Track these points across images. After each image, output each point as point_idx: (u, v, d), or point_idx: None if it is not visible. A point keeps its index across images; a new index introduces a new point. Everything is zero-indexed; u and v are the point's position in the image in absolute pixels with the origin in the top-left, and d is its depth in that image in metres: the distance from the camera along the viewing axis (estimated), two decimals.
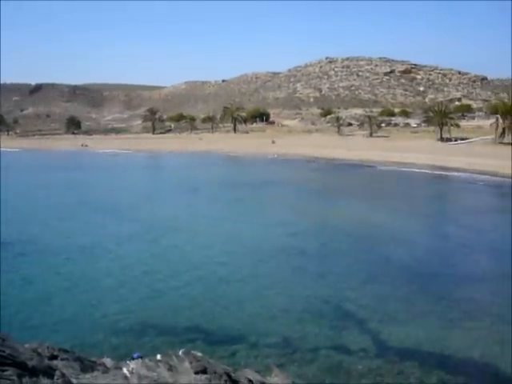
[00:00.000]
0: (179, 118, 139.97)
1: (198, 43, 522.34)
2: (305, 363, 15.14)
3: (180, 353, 5.92)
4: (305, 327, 17.42)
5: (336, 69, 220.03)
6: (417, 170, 58.75)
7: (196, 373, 5.29)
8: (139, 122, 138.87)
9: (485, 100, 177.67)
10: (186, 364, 5.47)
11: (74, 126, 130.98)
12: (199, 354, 6.10)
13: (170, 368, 5.33)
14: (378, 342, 16.46)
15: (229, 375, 5.70)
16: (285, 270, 23.92)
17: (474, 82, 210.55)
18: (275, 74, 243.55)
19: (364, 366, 14.93)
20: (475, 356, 15.47)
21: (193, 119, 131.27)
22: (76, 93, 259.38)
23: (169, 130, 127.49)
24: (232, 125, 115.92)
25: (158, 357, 5.71)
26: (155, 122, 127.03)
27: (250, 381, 6.04)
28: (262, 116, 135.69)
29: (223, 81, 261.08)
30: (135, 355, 7.38)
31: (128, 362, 5.45)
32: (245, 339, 16.55)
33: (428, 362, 15.05)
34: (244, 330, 17.21)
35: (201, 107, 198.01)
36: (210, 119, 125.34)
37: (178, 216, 36.56)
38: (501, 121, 74.95)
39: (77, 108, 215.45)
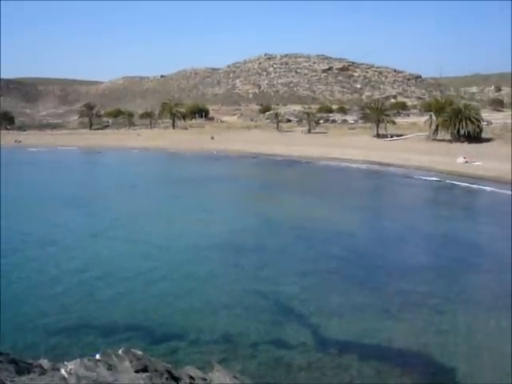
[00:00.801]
0: (117, 113, 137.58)
1: (136, 38, 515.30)
2: (246, 358, 15.21)
3: (120, 352, 5.81)
4: (245, 322, 17.50)
5: (275, 65, 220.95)
6: (354, 166, 59.81)
7: (136, 371, 5.22)
8: (76, 117, 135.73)
9: (419, 98, 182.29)
10: (126, 363, 5.38)
11: (6, 121, 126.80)
12: (139, 353, 6.01)
13: (110, 367, 5.23)
14: (317, 336, 16.69)
15: (170, 373, 5.65)
16: (224, 266, 23.95)
17: (409, 80, 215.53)
18: (214, 69, 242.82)
19: (304, 360, 15.13)
20: (411, 346, 15.92)
21: (131, 115, 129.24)
22: (9, 87, 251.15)
23: (106, 126, 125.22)
24: (171, 121, 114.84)
25: (98, 356, 5.60)
26: (92, 117, 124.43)
27: (191, 377, 5.99)
28: (201, 112, 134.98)
29: (162, 76, 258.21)
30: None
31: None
32: (186, 336, 16.49)
33: (366, 354, 15.37)
34: (185, 327, 17.14)
35: (139, 103, 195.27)
36: (148, 115, 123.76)
37: (115, 214, 36.01)
38: (434, 118, 76.94)
39: (10, 103, 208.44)
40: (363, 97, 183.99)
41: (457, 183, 47.97)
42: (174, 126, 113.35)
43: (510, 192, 42.16)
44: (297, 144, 75.38)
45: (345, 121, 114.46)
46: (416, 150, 64.86)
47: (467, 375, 14.23)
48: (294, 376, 14.38)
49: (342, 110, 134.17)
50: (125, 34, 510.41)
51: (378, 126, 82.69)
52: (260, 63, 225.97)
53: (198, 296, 20.02)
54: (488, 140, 72.07)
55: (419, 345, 15.95)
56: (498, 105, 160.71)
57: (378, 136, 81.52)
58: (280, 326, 17.35)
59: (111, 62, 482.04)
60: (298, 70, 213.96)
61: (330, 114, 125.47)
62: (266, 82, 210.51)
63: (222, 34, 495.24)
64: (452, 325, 17.44)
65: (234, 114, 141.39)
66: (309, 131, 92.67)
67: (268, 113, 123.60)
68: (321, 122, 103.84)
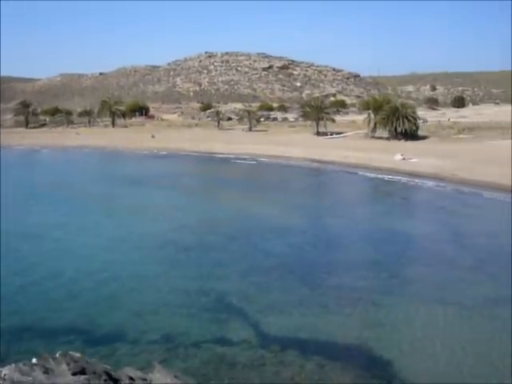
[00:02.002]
0: (54, 111, 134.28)
1: (74, 34, 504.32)
2: (188, 357, 15.18)
3: (57, 355, 5.71)
4: (187, 321, 17.45)
5: (216, 63, 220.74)
6: (295, 163, 60.35)
7: (74, 374, 5.14)
8: (11, 115, 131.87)
9: (358, 96, 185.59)
10: (64, 366, 5.29)
11: None
12: (77, 355, 5.92)
13: (46, 371, 5.14)
14: (259, 333, 16.80)
15: (109, 374, 5.59)
16: (166, 265, 23.78)
17: (348, 78, 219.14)
18: (155, 67, 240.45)
19: (247, 357, 15.21)
20: (352, 340, 16.23)
21: (69, 113, 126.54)
22: None
23: (43, 125, 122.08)
24: (110, 119, 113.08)
25: (34, 360, 5.48)
26: (28, 115, 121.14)
27: (131, 378, 5.95)
28: (141, 110, 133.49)
29: (101, 74, 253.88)
30: None
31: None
32: (127, 337, 16.32)
33: (308, 350, 15.59)
34: (125, 328, 16.96)
35: (77, 101, 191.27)
36: (87, 113, 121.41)
37: (51, 214, 35.19)
38: (372, 116, 78.45)
39: None
40: (303, 95, 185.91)
41: (394, 179, 49.07)
42: (113, 124, 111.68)
43: (445, 187, 43.58)
44: (238, 142, 75.45)
45: (285, 119, 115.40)
46: (355, 147, 65.91)
47: (405, 367, 14.59)
48: (237, 374, 14.42)
49: (283, 108, 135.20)
50: (62, 30, 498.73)
51: (317, 124, 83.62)
52: (201, 61, 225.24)
53: (140, 296, 19.84)
54: (424, 137, 74.04)
55: (359, 339, 16.27)
56: (433, 103, 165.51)
57: (318, 134, 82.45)
58: (222, 324, 17.38)
59: (48, 58, 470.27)
60: (239, 68, 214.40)
61: (271, 112, 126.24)
62: (207, 79, 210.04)
63: (162, 32, 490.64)
64: (390, 318, 17.88)
65: (175, 112, 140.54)
66: (250, 129, 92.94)
67: (209, 111, 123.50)
68: (261, 120, 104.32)
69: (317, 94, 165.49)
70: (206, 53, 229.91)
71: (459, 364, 14.90)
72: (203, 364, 14.89)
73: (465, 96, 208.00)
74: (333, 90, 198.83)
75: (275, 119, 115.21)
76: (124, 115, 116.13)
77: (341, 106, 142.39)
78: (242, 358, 15.12)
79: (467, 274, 22.59)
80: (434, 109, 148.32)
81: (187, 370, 14.25)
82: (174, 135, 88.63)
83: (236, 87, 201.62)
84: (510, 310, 18.44)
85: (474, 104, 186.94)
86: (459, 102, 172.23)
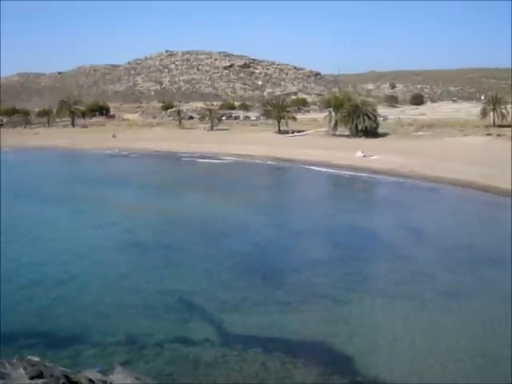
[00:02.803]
0: (12, 111, 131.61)
1: (31, 33, 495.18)
2: (151, 358, 15.12)
3: (14, 359, 5.65)
4: (150, 322, 17.38)
5: (176, 62, 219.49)
6: (257, 162, 60.53)
7: (31, 378, 5.10)
8: None
9: (319, 94, 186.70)
10: (21, 370, 5.24)
11: None
12: (36, 359, 5.87)
13: (3, 376, 5.08)
14: (222, 332, 16.85)
15: (67, 377, 5.55)
16: (126, 266, 23.61)
17: (309, 76, 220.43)
18: (114, 66, 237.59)
19: (210, 356, 15.25)
20: (313, 336, 16.40)
21: (27, 113, 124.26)
22: None
23: (0, 125, 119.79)
24: (70, 119, 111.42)
25: None
26: None
27: (90, 381, 5.92)
28: (101, 110, 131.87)
29: (59, 73, 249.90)
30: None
31: None
32: (89, 339, 16.19)
33: (270, 347, 15.70)
34: (87, 330, 16.81)
35: (36, 100, 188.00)
36: (46, 113, 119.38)
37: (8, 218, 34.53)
38: (333, 114, 78.99)
39: None
40: (265, 93, 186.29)
41: (355, 176, 49.71)
42: (73, 124, 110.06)
43: (404, 183, 44.29)
44: (200, 141, 75.17)
45: (247, 117, 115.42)
46: (316, 145, 66.38)
47: (366, 362, 14.81)
48: (201, 372, 14.46)
49: (244, 107, 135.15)
50: (18, 29, 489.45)
51: (279, 123, 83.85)
52: (161, 60, 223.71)
53: (102, 298, 19.65)
54: (384, 135, 74.97)
55: (321, 335, 16.46)
56: (392, 101, 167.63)
57: (280, 132, 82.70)
58: (185, 324, 17.37)
59: (4, 57, 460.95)
60: (200, 67, 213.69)
61: (233, 111, 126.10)
62: (168, 78, 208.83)
63: (122, 30, 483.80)
64: (350, 314, 18.11)
65: (136, 112, 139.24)
66: (211, 128, 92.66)
67: (170, 110, 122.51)
68: (223, 118, 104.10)
69: (278, 93, 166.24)
70: (167, 51, 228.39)
71: (419, 358, 15.17)
72: (167, 364, 14.87)
73: (423, 94, 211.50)
74: (294, 89, 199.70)
75: (237, 118, 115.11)
76: (84, 115, 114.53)
77: (302, 104, 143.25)
78: (205, 357, 15.14)
79: (424, 267, 23.01)
80: (393, 106, 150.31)
81: (151, 370, 14.22)
82: (136, 135, 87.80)
83: (197, 86, 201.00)
84: (466, 301, 18.96)
85: (432, 101, 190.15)
86: (418, 100, 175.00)
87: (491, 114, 78.69)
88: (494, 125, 76.61)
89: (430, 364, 14.79)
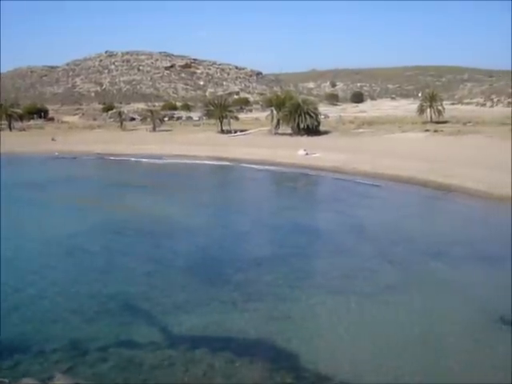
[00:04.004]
0: None
1: None
2: (95, 363, 14.90)
3: None
4: (93, 327, 17.09)
5: (116, 63, 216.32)
6: (201, 162, 60.31)
7: None
8: None
9: (261, 93, 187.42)
10: None
11: None
12: None
13: None
14: (167, 334, 16.73)
15: None
16: (68, 270, 23.15)
17: (251, 76, 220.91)
18: (52, 68, 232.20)
19: (155, 358, 15.12)
20: (259, 334, 16.47)
21: None
22: None
23: None
24: (7, 122, 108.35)
25: None
26: None
27: None
28: (40, 112, 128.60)
29: None
30: None
31: None
32: (29, 346, 15.75)
33: (216, 346, 15.68)
34: (28, 337, 16.37)
35: None
36: None
37: None
38: (275, 113, 79.48)
39: None
40: (207, 93, 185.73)
41: (298, 174, 50.24)
42: (10, 127, 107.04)
43: (346, 180, 45.01)
44: (142, 143, 74.40)
45: (189, 118, 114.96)
46: (259, 144, 66.71)
47: (312, 357, 14.97)
48: (146, 375, 14.32)
49: (187, 107, 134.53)
50: None
51: (222, 123, 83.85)
52: (101, 61, 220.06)
53: (41, 303, 19.17)
54: (325, 133, 75.97)
55: (266, 333, 16.53)
56: (333, 99, 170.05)
57: (223, 132, 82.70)
58: (130, 327, 17.16)
59: None
60: (141, 68, 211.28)
61: (175, 112, 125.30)
62: (108, 80, 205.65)
63: (59, 31, 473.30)
64: (295, 311, 18.27)
65: (76, 114, 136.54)
66: (154, 129, 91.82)
67: (111, 112, 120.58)
68: (165, 119, 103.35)
69: (220, 93, 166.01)
70: (106, 52, 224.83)
71: (362, 352, 15.44)
72: (111, 368, 14.66)
73: (363, 92, 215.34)
74: (236, 88, 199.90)
75: (179, 118, 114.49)
76: (21, 118, 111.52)
77: (244, 103, 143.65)
78: (150, 360, 15.01)
79: (366, 262, 23.45)
80: (334, 104, 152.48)
81: (94, 375, 14.02)
82: (76, 137, 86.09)
83: (138, 87, 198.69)
84: (407, 295, 19.42)
85: (372, 99, 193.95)
86: (358, 98, 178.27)
87: (428, 110, 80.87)
88: (431, 121, 78.75)
89: (372, 358, 15.07)
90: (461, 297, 19.25)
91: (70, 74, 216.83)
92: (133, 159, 64.27)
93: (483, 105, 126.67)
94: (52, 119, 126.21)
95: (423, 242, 26.66)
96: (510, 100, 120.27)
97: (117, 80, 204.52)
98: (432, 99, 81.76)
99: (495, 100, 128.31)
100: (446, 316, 17.66)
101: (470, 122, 75.97)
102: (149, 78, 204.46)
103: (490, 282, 20.98)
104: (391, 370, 14.41)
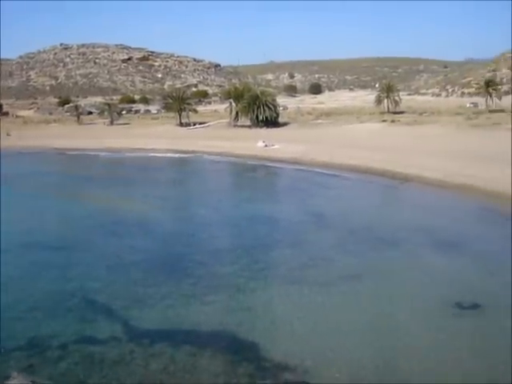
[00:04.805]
0: None
1: None
2: (55, 361, 14.70)
3: None
4: (51, 324, 16.83)
5: (72, 56, 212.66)
6: (160, 155, 60.04)
7: None
8: None
9: (219, 86, 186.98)
10: None
11: None
12: None
13: None
14: (128, 328, 16.62)
15: None
16: (24, 266, 22.74)
17: (209, 68, 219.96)
18: (5, 60, 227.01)
19: (116, 354, 15.00)
20: (220, 326, 16.50)
21: None
22: None
23: None
24: None
25: None
26: None
27: None
28: None
29: None
30: None
31: None
32: None
33: (177, 339, 15.68)
34: None
35: None
36: None
37: None
38: (234, 105, 79.50)
39: None
40: (165, 86, 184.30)
41: (257, 166, 50.49)
42: None
43: (305, 171, 45.37)
44: (99, 137, 73.47)
45: (148, 111, 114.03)
46: (218, 136, 66.65)
47: (270, 347, 15.06)
48: (107, 371, 14.20)
49: (145, 101, 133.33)
50: None
51: (180, 115, 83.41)
52: (56, 53, 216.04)
53: None
54: (284, 124, 76.28)
55: (227, 324, 16.59)
56: (291, 91, 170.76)
57: (182, 125, 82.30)
58: (90, 323, 16.99)
59: None
60: (97, 61, 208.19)
61: (133, 105, 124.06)
62: (64, 73, 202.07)
63: (11, 22, 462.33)
64: (255, 302, 18.38)
65: (31, 108, 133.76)
66: (111, 123, 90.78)
67: (67, 106, 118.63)
68: (123, 113, 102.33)
69: (178, 85, 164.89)
70: (61, 45, 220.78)
71: (324, 341, 15.61)
72: (71, 366, 14.50)
73: (321, 83, 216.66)
74: (194, 81, 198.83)
75: (137, 112, 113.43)
76: None
77: (203, 96, 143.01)
78: (111, 355, 14.89)
79: (325, 252, 23.70)
80: (293, 96, 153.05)
81: (53, 373, 13.86)
82: (32, 132, 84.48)
83: (95, 80, 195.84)
84: (365, 283, 19.71)
85: (330, 90, 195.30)
86: (316, 89, 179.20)
87: (385, 101, 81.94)
88: (389, 111, 79.82)
89: (332, 346, 15.25)
90: (417, 284, 19.64)
91: (24, 67, 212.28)
92: (91, 153, 63.50)
93: (438, 95, 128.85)
94: (6, 114, 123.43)
95: (381, 230, 27.08)
96: (463, 90, 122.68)
97: (73, 73, 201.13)
98: (389, 90, 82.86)
99: (450, 90, 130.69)
100: (402, 303, 17.98)
101: (425, 112, 77.20)
102: (106, 71, 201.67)
103: (446, 268, 21.45)
104: (349, 358, 14.60)
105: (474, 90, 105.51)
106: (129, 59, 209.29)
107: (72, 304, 18.51)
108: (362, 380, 13.58)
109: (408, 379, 13.50)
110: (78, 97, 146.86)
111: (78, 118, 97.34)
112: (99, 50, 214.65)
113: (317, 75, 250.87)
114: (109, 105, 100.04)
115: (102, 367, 14.38)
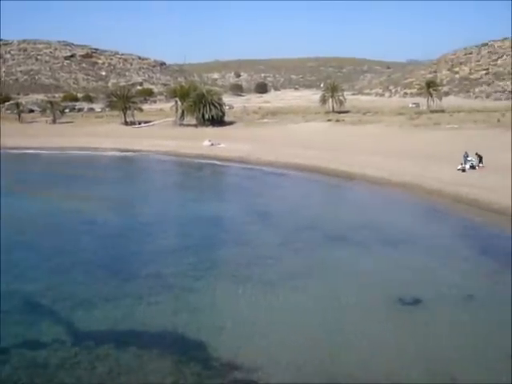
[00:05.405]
0: None
1: None
2: None
3: None
4: None
5: (12, 52, 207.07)
6: (104, 154, 59.29)
7: None
8: None
9: (164, 84, 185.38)
10: None
11: None
12: None
13: None
14: (72, 331, 16.31)
15: None
16: None
17: (154, 66, 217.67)
18: None
19: (60, 357, 14.73)
20: (166, 327, 16.40)
21: None
22: None
23: None
24: None
25: None
26: None
27: None
28: None
29: None
30: None
31: None
32: None
33: (123, 341, 15.48)
34: None
35: None
36: None
37: None
38: (179, 103, 79.07)
39: None
40: (109, 84, 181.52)
41: (203, 165, 50.46)
42: None
43: (251, 169, 45.50)
44: (42, 135, 71.74)
45: (92, 109, 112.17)
46: (164, 135, 66.22)
47: (219, 347, 15.04)
48: (50, 376, 13.91)
49: (88, 99, 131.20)
50: None
51: (125, 114, 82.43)
52: None
53: None
54: (230, 123, 76.35)
55: (174, 324, 16.49)
56: (238, 90, 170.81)
57: (127, 123, 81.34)
58: (32, 326, 16.59)
59: None
60: (39, 57, 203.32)
61: (76, 103, 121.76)
62: (4, 70, 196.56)
63: None
64: (201, 301, 18.30)
65: None
66: (54, 121, 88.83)
67: (8, 103, 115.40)
68: (66, 111, 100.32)
69: (123, 83, 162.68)
70: (1, 40, 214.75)
71: (270, 338, 15.68)
72: (14, 370, 14.19)
73: (267, 82, 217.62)
74: (139, 79, 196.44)
75: (81, 110, 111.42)
76: None
77: (148, 94, 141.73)
78: (54, 359, 14.59)
79: (271, 250, 23.81)
80: (239, 95, 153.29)
81: None
82: None
83: (37, 77, 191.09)
84: (310, 281, 19.92)
85: (275, 89, 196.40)
86: (262, 88, 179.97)
87: (330, 100, 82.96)
88: (333, 111, 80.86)
89: (279, 344, 15.34)
90: (361, 280, 19.95)
91: None
92: (32, 152, 61.93)
93: (382, 95, 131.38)
94: None
95: (326, 228, 27.41)
96: (406, 91, 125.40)
97: (13, 70, 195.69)
98: (334, 90, 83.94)
99: (393, 91, 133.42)
100: (348, 299, 18.22)
101: (369, 112, 78.60)
102: (48, 68, 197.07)
103: (388, 264, 21.90)
104: (295, 354, 14.72)
105: (415, 90, 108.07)
106: (72, 56, 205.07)
107: (11, 307, 17.97)
108: (308, 375, 13.70)
109: (352, 374, 13.70)
110: (18, 94, 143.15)
111: (19, 116, 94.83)
112: (41, 46, 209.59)
113: (263, 74, 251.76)
114: (51, 103, 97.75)
115: (44, 372, 14.08)
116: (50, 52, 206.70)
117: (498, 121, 59.48)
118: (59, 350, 15.10)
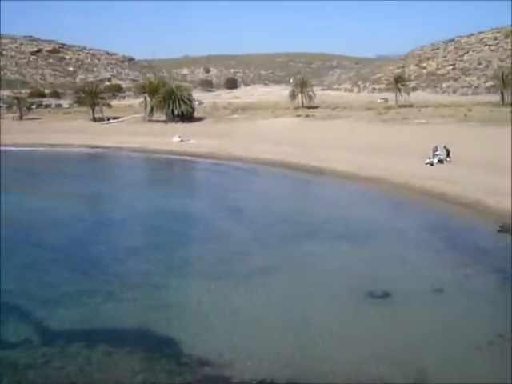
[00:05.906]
0: None
1: None
2: None
3: None
4: None
5: None
6: (72, 150, 58.71)
7: None
8: None
9: (133, 80, 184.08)
10: None
11: None
12: None
13: None
14: (41, 330, 16.08)
15: None
16: None
17: (122, 62, 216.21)
18: None
19: (29, 357, 14.49)
20: (137, 324, 16.28)
21: None
22: None
23: None
24: None
25: None
26: None
27: None
28: None
29: None
30: None
31: None
32: None
33: (93, 339, 15.29)
34: None
35: None
36: None
37: None
38: (149, 99, 78.63)
39: None
40: (77, 80, 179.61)
41: (173, 161, 50.27)
42: None
43: (221, 165, 45.48)
44: (9, 132, 70.56)
45: (59, 105, 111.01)
46: (133, 131, 65.88)
47: (191, 344, 14.98)
48: (20, 375, 13.69)
49: (56, 95, 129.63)
50: None
51: (93, 110, 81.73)
52: None
53: None
54: (200, 119, 76.17)
55: (144, 321, 16.35)
56: (207, 85, 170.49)
57: (95, 120, 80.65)
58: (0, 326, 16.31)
59: None
60: (4, 52, 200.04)
61: (43, 99, 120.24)
62: None
63: None
64: (172, 298, 18.24)
65: None
66: (21, 118, 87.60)
67: None
68: (33, 107, 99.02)
69: (91, 79, 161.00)
70: None
71: (243, 334, 15.70)
72: None
73: (237, 77, 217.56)
74: (107, 75, 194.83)
75: (48, 106, 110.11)
76: None
77: (117, 90, 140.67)
78: (23, 359, 14.36)
79: (242, 246, 23.85)
80: (208, 90, 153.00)
81: None
82: None
83: (2, 73, 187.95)
84: (281, 276, 19.99)
85: (245, 85, 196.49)
86: (232, 84, 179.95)
87: (299, 96, 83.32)
88: (303, 106, 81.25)
89: (250, 340, 15.37)
90: (331, 274, 20.09)
91: None
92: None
93: (351, 90, 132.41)
94: None
95: (295, 222, 27.54)
96: (374, 86, 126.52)
97: None
98: (303, 85, 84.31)
99: (361, 86, 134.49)
100: (317, 294, 18.34)
101: (338, 107, 79.14)
102: (13, 64, 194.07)
103: (357, 258, 22.09)
104: (267, 349, 14.77)
105: (384, 85, 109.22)
106: (38, 51, 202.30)
107: None
108: (278, 370, 13.75)
109: (320, 367, 13.80)
110: None
111: None
112: (6, 41, 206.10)
113: (232, 70, 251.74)
114: (17, 99, 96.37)
115: (13, 372, 13.85)
116: (16, 47, 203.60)
117: (465, 115, 60.48)
118: (28, 350, 14.88)
